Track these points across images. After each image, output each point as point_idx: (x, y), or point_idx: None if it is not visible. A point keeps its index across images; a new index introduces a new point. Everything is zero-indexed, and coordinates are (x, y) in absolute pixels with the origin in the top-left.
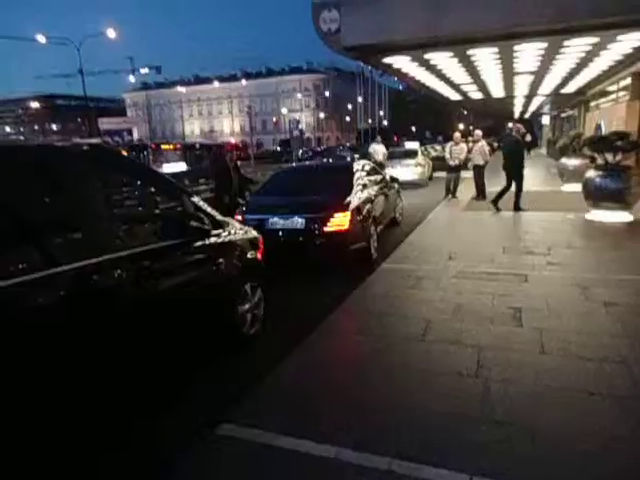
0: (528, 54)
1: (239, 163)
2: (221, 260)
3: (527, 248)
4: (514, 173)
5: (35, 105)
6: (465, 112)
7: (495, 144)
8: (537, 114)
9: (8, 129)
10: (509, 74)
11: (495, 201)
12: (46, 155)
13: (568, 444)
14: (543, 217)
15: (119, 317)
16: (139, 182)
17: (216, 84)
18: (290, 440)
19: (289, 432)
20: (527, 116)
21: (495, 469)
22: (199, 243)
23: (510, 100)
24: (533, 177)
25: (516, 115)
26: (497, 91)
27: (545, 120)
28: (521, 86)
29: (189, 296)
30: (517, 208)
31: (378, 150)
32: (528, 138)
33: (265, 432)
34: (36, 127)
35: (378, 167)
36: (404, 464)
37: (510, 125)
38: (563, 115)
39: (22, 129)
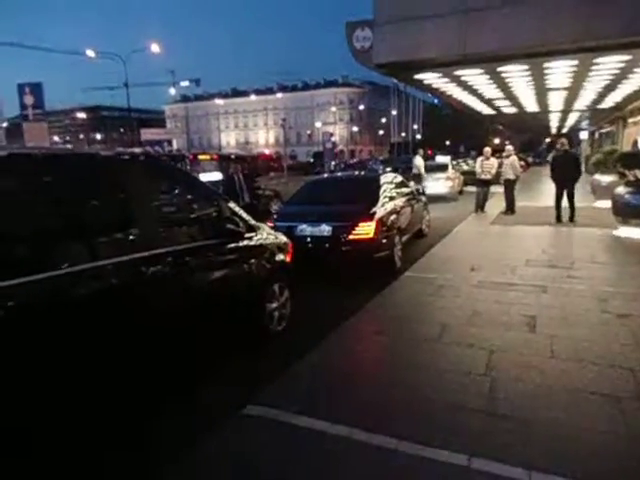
0: (559, 70)
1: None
2: (253, 260)
3: (550, 262)
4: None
5: (81, 115)
6: (500, 127)
7: (530, 159)
8: (575, 129)
9: (56, 138)
10: (542, 89)
11: (572, 218)
12: (111, 163)
13: (563, 435)
14: (571, 232)
15: (164, 304)
16: (183, 188)
17: (253, 97)
18: (308, 420)
19: (308, 413)
20: (565, 131)
21: (493, 453)
22: (234, 244)
23: (546, 115)
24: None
25: (553, 130)
26: (531, 106)
27: (583, 135)
28: (555, 101)
29: (223, 290)
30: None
31: (420, 163)
32: None
33: (286, 412)
34: (81, 136)
35: (418, 178)
36: (409, 445)
37: (564, 141)
38: (602, 131)
39: (68, 138)
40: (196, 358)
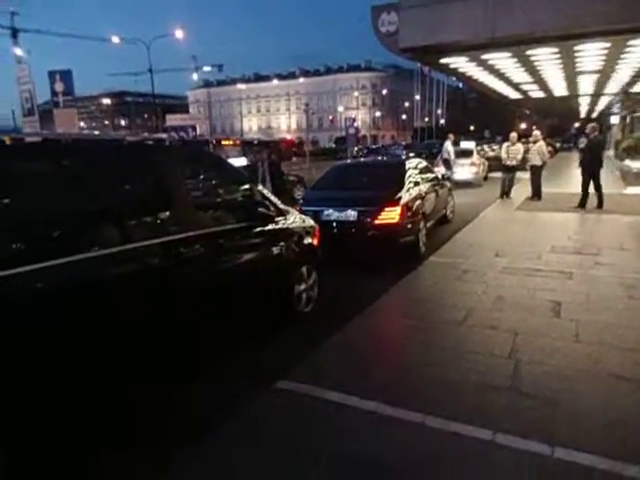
0: (590, 53)
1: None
2: (282, 243)
3: (577, 248)
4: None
5: (107, 102)
6: (527, 111)
7: (558, 145)
8: (605, 113)
9: (82, 124)
10: (571, 73)
11: (600, 204)
12: (149, 149)
13: (586, 414)
14: (599, 219)
15: (199, 283)
16: (217, 172)
17: (275, 82)
18: (337, 394)
19: (336, 388)
20: (594, 115)
21: (517, 429)
22: (264, 227)
23: (575, 99)
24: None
25: (582, 115)
26: (559, 90)
27: (614, 120)
28: (585, 85)
29: (254, 271)
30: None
31: (450, 149)
32: None
33: (316, 387)
34: (106, 122)
35: (447, 164)
36: (435, 420)
37: (595, 125)
38: (635, 115)
39: (94, 124)
40: (228, 336)
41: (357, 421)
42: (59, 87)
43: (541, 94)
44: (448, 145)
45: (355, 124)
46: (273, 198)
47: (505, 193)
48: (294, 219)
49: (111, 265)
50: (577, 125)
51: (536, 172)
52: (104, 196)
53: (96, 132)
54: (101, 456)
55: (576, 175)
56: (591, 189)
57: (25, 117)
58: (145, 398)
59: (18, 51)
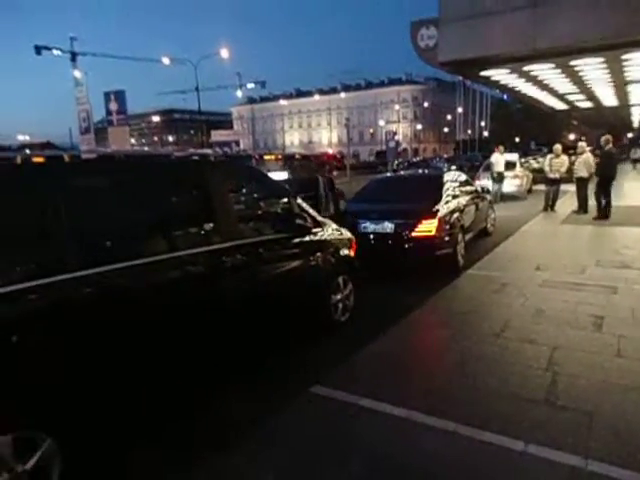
0: (639, 62)
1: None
2: (319, 253)
3: (623, 262)
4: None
5: (156, 119)
6: (574, 122)
7: None
8: None
9: (133, 140)
10: (620, 82)
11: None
12: (196, 164)
13: (623, 430)
14: None
15: (241, 290)
16: (258, 185)
17: (316, 97)
18: (370, 402)
19: (370, 396)
20: None
21: (550, 441)
22: (302, 238)
23: (626, 109)
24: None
25: (635, 124)
26: (608, 100)
27: None
28: (637, 94)
29: (292, 280)
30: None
31: (499, 161)
32: None
33: (350, 394)
34: (155, 139)
35: (499, 177)
36: (467, 428)
37: (607, 137)
38: None
39: (143, 141)
40: (266, 343)
41: (388, 427)
42: (113, 106)
43: (588, 104)
44: (497, 156)
45: (396, 137)
46: (311, 211)
47: (549, 206)
48: (331, 231)
49: (159, 271)
50: (630, 136)
51: (582, 184)
52: (153, 207)
53: (146, 148)
54: (146, 453)
55: (627, 187)
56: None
57: (82, 135)
58: (184, 400)
59: (77, 73)
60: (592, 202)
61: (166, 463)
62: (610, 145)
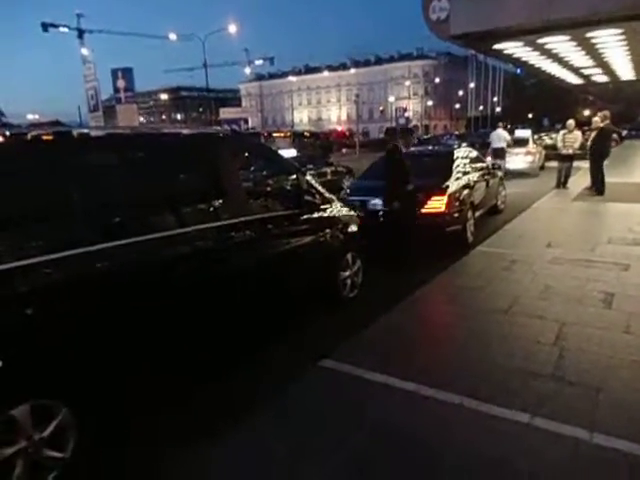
0: None
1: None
2: (327, 230)
3: (636, 240)
4: None
5: (164, 97)
6: (590, 97)
7: (625, 132)
8: None
9: (142, 119)
10: (639, 55)
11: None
12: (204, 139)
13: (630, 403)
14: None
15: (250, 265)
16: (267, 162)
17: (326, 73)
18: (379, 375)
19: (378, 370)
20: None
21: (555, 415)
22: (310, 214)
23: None
24: None
25: None
26: (626, 73)
27: None
28: None
29: (300, 255)
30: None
31: (498, 136)
32: None
33: (358, 368)
34: (164, 117)
35: (501, 152)
36: (473, 402)
37: (605, 112)
38: None
39: (152, 119)
40: (277, 318)
41: (396, 400)
42: (121, 84)
43: (605, 78)
44: (500, 132)
45: (406, 114)
46: (319, 187)
47: (562, 183)
48: (339, 207)
49: (169, 246)
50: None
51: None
52: (161, 183)
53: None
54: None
55: None
56: None
57: (90, 113)
58: (196, 372)
59: (84, 51)
60: (606, 179)
61: (185, 433)
62: (608, 121)
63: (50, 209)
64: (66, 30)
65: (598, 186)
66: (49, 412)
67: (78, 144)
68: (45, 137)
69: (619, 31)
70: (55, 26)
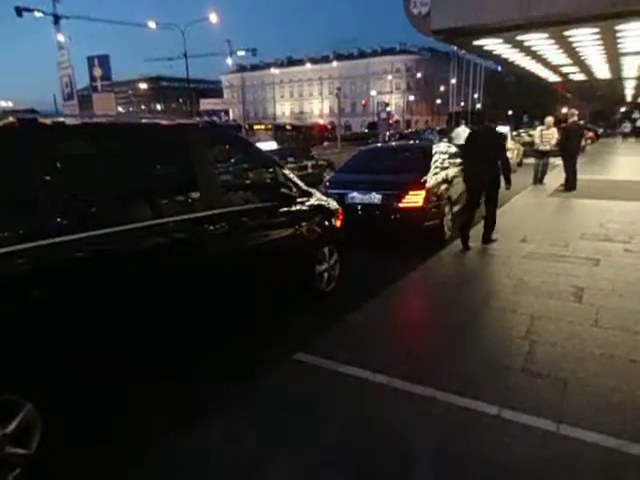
0: (633, 33)
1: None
2: (304, 223)
3: (607, 236)
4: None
5: (143, 86)
6: (569, 95)
7: (601, 130)
8: None
9: (120, 108)
10: (614, 55)
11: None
12: (180, 130)
13: (596, 395)
14: (635, 208)
15: (223, 258)
16: (243, 154)
17: (308, 66)
18: (351, 368)
19: (351, 363)
20: None
21: (524, 406)
22: (287, 207)
23: (619, 82)
24: (631, 165)
25: (628, 98)
26: (602, 72)
27: None
28: (630, 67)
29: (275, 249)
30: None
31: (462, 135)
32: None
33: (332, 361)
34: (143, 107)
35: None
36: (445, 394)
37: (572, 110)
38: None
39: (131, 109)
40: (251, 311)
41: (369, 394)
42: (97, 72)
43: (582, 77)
44: (458, 130)
45: (388, 109)
46: (296, 180)
47: (538, 179)
48: (317, 200)
49: (142, 237)
50: (623, 110)
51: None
52: (135, 173)
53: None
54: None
55: (617, 162)
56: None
57: (65, 101)
58: (166, 366)
59: (60, 37)
60: (580, 176)
61: (163, 424)
62: (575, 118)
63: (13, 199)
64: (41, 15)
65: (570, 182)
66: (12, 408)
67: (45, 132)
68: (8, 124)
69: (595, 30)
70: (30, 10)
